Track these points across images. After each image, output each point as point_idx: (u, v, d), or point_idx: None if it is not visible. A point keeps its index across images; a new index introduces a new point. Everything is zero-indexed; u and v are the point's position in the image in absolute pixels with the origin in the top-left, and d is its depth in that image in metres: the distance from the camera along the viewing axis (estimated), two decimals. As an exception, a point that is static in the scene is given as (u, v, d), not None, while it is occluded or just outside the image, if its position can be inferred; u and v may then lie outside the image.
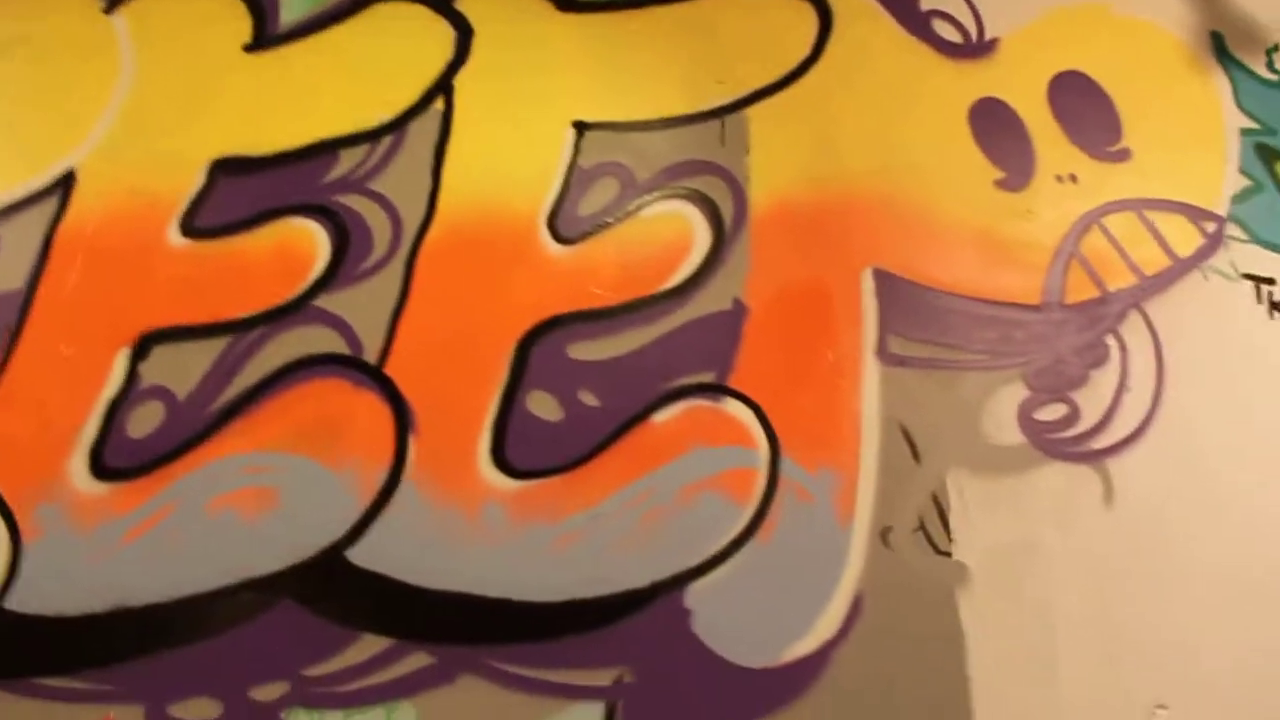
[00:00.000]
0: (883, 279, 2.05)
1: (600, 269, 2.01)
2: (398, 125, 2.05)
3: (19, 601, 1.79)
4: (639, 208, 2.05)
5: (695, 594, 1.86)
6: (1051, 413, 2.07)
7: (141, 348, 1.91)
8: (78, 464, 1.84)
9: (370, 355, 1.89)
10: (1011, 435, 2.04)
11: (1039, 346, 2.10)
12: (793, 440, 1.99)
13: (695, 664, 1.86)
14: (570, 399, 1.90)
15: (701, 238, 2.07)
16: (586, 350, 1.94)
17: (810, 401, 2.04)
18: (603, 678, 1.79)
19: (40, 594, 1.81)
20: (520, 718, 1.77)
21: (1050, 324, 2.11)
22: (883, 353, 2.01)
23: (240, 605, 1.80)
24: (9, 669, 1.78)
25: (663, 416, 1.95)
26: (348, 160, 2.02)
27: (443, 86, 2.04)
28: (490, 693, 1.77)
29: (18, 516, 1.83)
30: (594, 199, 2.04)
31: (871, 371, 2.00)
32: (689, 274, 2.04)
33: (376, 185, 2.01)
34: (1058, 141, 2.23)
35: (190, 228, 1.97)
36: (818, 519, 1.95)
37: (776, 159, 2.15)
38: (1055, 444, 2.06)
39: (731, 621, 1.88)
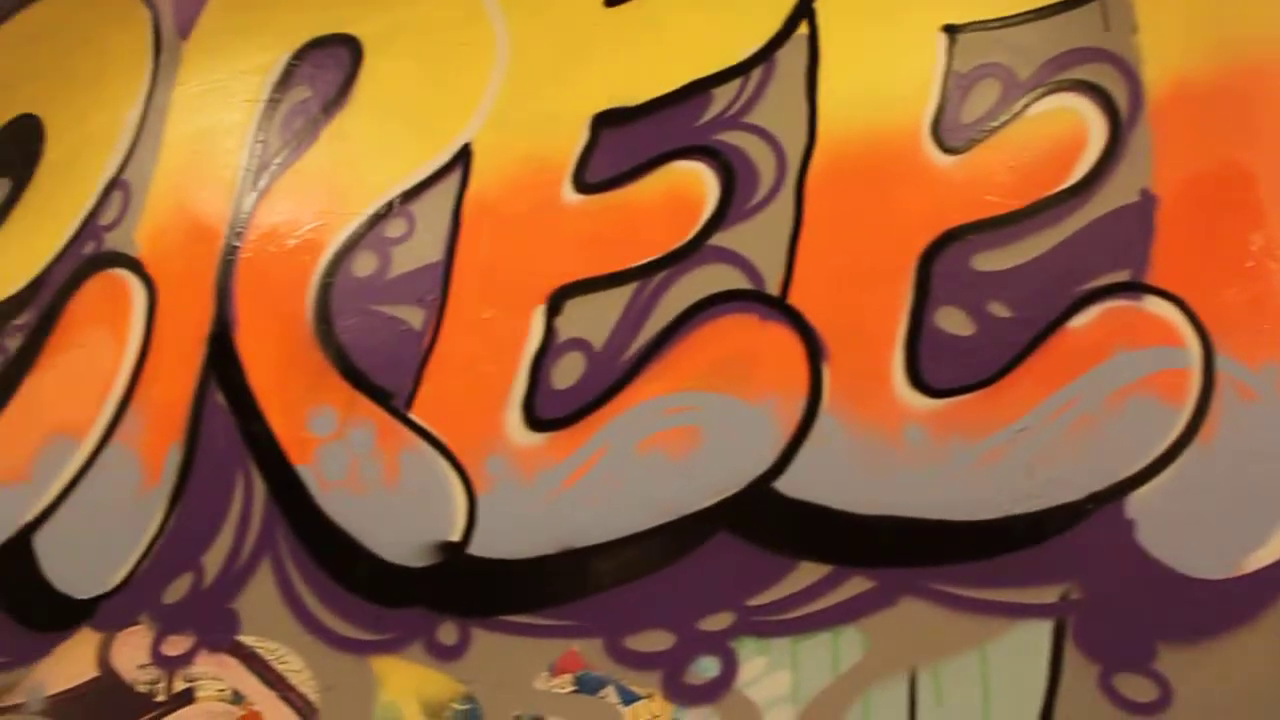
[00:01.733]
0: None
1: (993, 175, 1.94)
2: (765, 56, 2.05)
3: (480, 547, 1.92)
4: (1025, 107, 1.96)
5: (1136, 504, 1.78)
6: None
7: (554, 303, 2.00)
8: (513, 418, 1.96)
9: (772, 287, 1.91)
10: None
11: None
12: (1227, 335, 1.86)
13: (1144, 577, 1.78)
14: (980, 312, 1.85)
15: (1096, 129, 1.96)
16: (990, 260, 1.88)
17: (1241, 292, 1.89)
18: (1048, 595, 1.75)
19: (496, 540, 1.94)
20: (967, 638, 1.74)
21: None
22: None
23: (679, 540, 1.84)
24: (481, 608, 1.92)
25: (1079, 322, 1.87)
26: (722, 98, 2.04)
27: (804, 10, 2.02)
28: (934, 614, 1.75)
29: (469, 471, 1.96)
30: (976, 104, 1.98)
31: (1310, 252, 1.84)
32: (1088, 169, 1.94)
33: (754, 118, 2.02)
34: None
35: (582, 184, 2.05)
36: (1266, 418, 1.80)
37: (1169, 34, 2.01)
38: None
39: (1179, 531, 1.79)
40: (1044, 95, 1.97)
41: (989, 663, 1.70)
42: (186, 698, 2.18)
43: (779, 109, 2.01)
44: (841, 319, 1.89)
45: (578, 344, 1.98)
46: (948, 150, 1.96)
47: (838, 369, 1.86)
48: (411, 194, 2.21)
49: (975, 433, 1.82)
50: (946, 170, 1.96)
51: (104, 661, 2.29)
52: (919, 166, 1.96)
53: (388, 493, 2.08)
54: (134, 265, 2.55)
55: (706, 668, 1.81)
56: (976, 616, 1.78)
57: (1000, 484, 1.79)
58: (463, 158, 2.15)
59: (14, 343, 2.66)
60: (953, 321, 1.87)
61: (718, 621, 1.81)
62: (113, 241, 2.62)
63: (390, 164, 2.26)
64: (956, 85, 1.99)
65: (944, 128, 1.97)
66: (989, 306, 1.87)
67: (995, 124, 1.96)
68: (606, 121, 2.08)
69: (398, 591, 2.07)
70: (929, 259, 1.91)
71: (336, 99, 2.38)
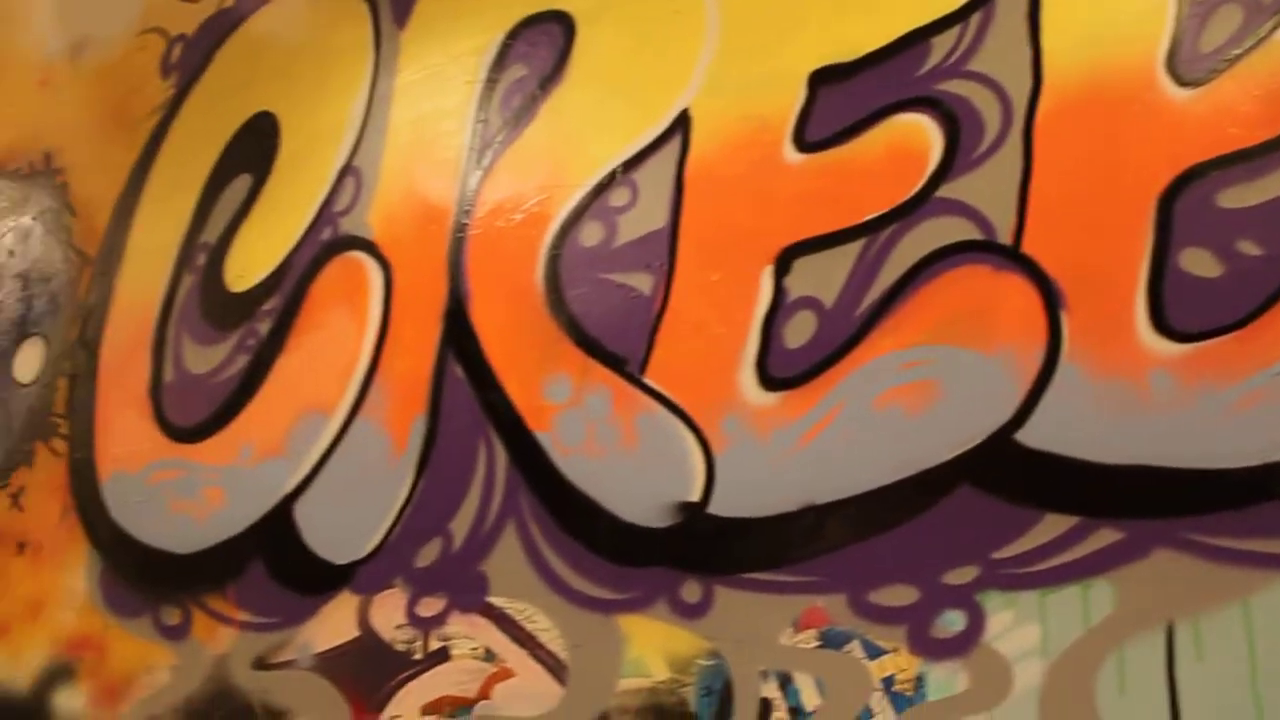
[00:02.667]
0: None
1: (1235, 107, 1.87)
2: (983, 0, 2.00)
3: (719, 506, 1.99)
4: (1271, 30, 1.86)
5: (1407, 444, 1.69)
6: None
7: (782, 263, 2.03)
8: (746, 378, 2.01)
9: (1004, 237, 1.89)
10: None
11: None
12: None
13: None
14: (1228, 251, 1.79)
15: (1352, 50, 1.85)
16: (1237, 197, 1.81)
17: None
18: (1315, 544, 1.66)
19: (736, 499, 1.99)
20: (1227, 590, 1.70)
21: None
22: None
23: (920, 494, 1.86)
24: (723, 566, 1.98)
25: (1339, 256, 1.77)
26: (940, 47, 2.03)
27: (1023, -51, 1.98)
28: (1189, 565, 1.72)
29: (705, 431, 2.02)
30: (1215, 32, 1.90)
31: None
32: (1344, 92, 1.83)
33: (975, 65, 1.99)
34: None
35: (803, 142, 2.07)
36: None
37: None
38: None
39: None
40: (1292, 18, 1.88)
41: (1253, 615, 1.66)
42: (442, 655, 2.33)
43: (1001, 54, 1.98)
44: (1079, 265, 1.87)
45: (808, 302, 2.01)
46: (1184, 83, 1.91)
47: (1077, 317, 1.84)
48: (633, 163, 2.28)
49: (1228, 377, 1.78)
50: (1184, 104, 1.91)
51: (364, 622, 2.46)
52: (1154, 103, 1.92)
53: (626, 455, 2.16)
54: (369, 247, 2.71)
55: (952, 621, 1.83)
56: (1237, 568, 1.75)
57: (1257, 430, 1.75)
58: (681, 124, 2.20)
59: (264, 326, 2.86)
60: (1198, 263, 1.83)
61: (962, 575, 1.83)
62: (347, 226, 2.79)
63: (609, 135, 2.33)
64: (1193, 13, 1.93)
65: (1180, 60, 1.91)
66: (1237, 245, 1.82)
67: (1237, 52, 1.89)
68: (824, 78, 2.10)
69: (640, 551, 2.15)
70: (1169, 199, 1.86)
71: (552, 75, 2.47)
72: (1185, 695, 1.69)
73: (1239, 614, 1.69)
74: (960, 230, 1.96)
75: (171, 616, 2.87)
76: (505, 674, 2.24)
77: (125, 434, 3.14)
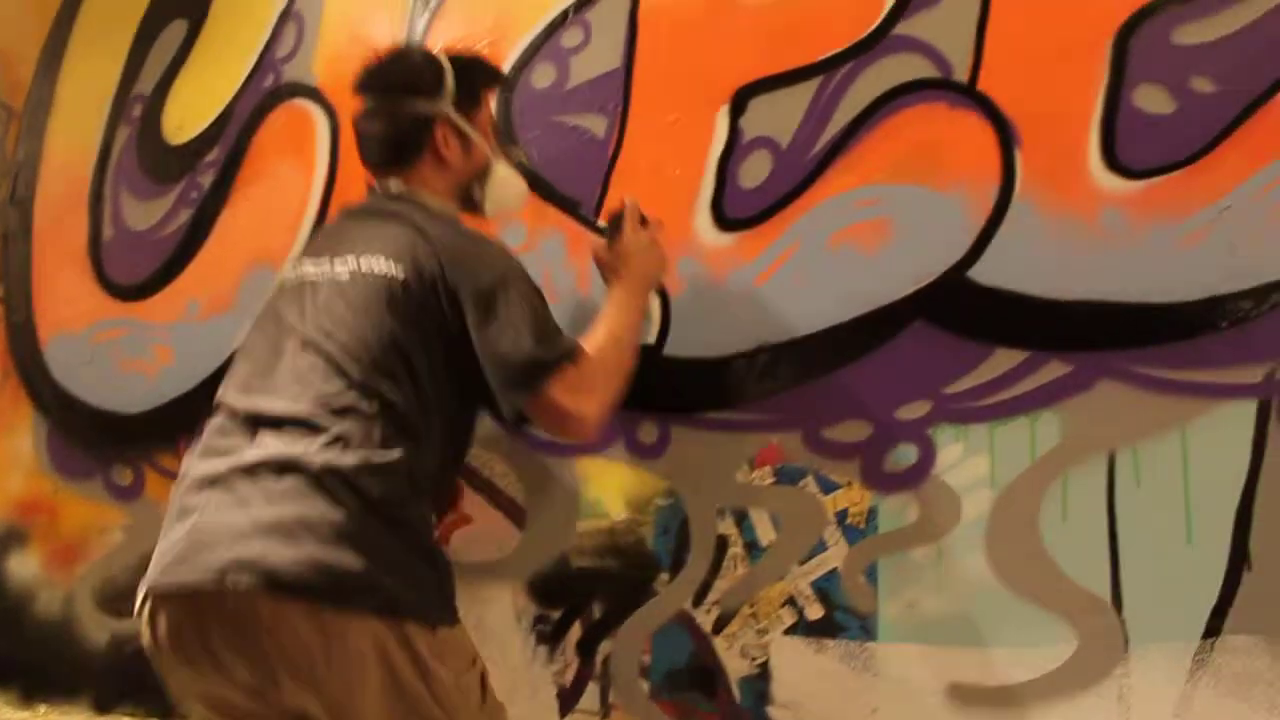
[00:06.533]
0: None
1: (1192, -58, 1.86)
2: None
3: (675, 347, 2.05)
4: None
5: (1346, 278, 1.76)
6: None
7: (738, 103, 2.05)
8: (702, 219, 2.04)
9: (960, 74, 1.92)
10: None
11: None
12: None
13: (1359, 354, 1.77)
14: (1181, 88, 1.82)
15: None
16: (1192, 33, 1.84)
17: None
18: (1252, 374, 1.76)
19: (691, 340, 2.05)
20: (1166, 419, 1.77)
21: None
22: None
23: (874, 332, 1.92)
24: (679, 406, 2.04)
25: (1291, 92, 1.81)
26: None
27: None
28: (1133, 397, 1.79)
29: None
30: None
31: None
32: (1299, -71, 1.85)
33: (934, -101, 1.97)
34: None
35: (759, -21, 2.05)
36: None
37: None
38: None
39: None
40: None
41: (1189, 444, 1.76)
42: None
43: (958, -114, 1.95)
44: (1033, 103, 1.90)
45: (764, 142, 2.03)
46: (1144, -82, 1.90)
47: (1030, 155, 1.88)
48: (586, 1, 2.24)
49: (1176, 214, 1.83)
50: (1138, -60, 1.90)
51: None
52: (1108, -63, 1.91)
53: (582, 300, 2.18)
54: (314, 94, 2.66)
55: (904, 455, 1.90)
56: (1176, 398, 1.83)
57: (1203, 264, 1.81)
58: (636, -38, 2.16)
59: (206, 179, 2.83)
60: (1152, 100, 1.86)
61: (914, 410, 1.89)
62: (291, 73, 2.74)
63: (562, -28, 2.28)
64: None
65: (1136, -108, 1.90)
66: (1191, 82, 1.85)
67: (1194, -115, 1.88)
68: (781, -86, 2.06)
69: (596, 394, 2.18)
70: (1124, 36, 1.89)
71: (503, -88, 2.41)
72: (1123, 521, 1.77)
73: (1176, 442, 1.77)
74: (917, 68, 1.99)
75: (123, 477, 2.89)
76: (464, 520, 2.29)
77: (66, 294, 3.11)
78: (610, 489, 2.16)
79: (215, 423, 1.69)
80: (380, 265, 1.70)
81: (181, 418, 2.73)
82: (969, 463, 1.89)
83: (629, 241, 1.83)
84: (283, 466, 1.56)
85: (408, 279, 1.67)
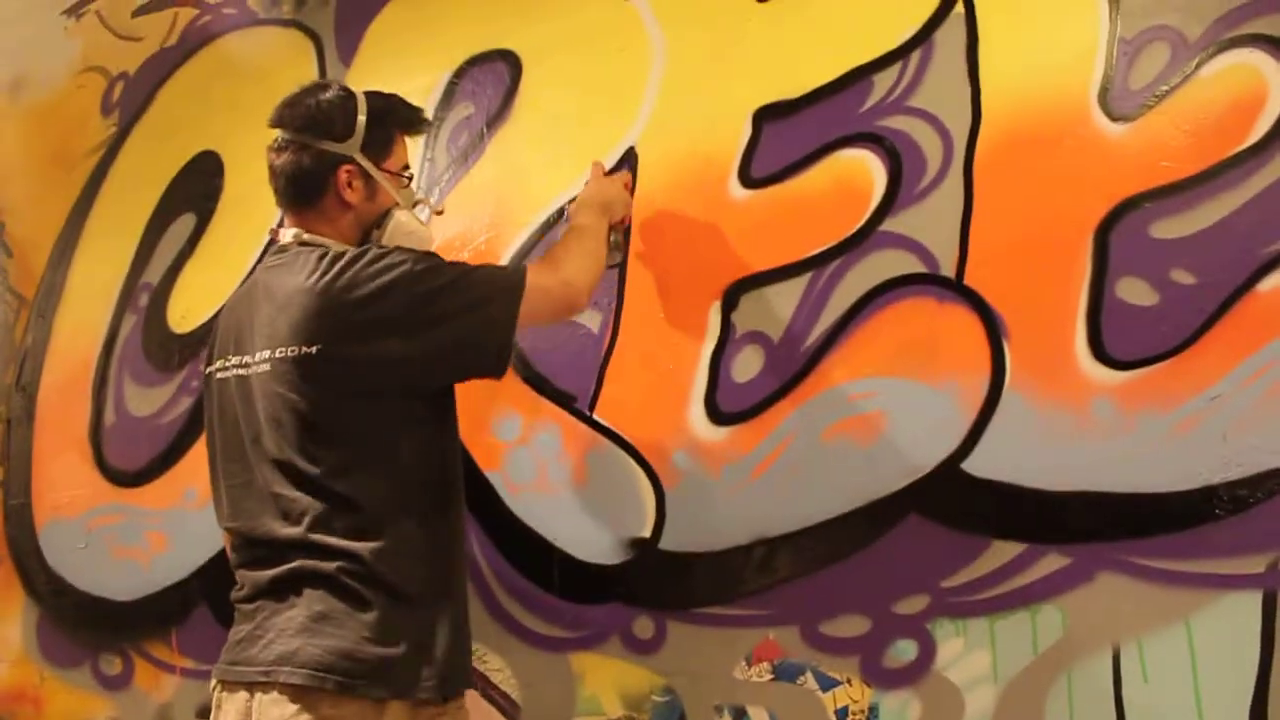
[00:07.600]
0: None
1: (1167, 141, 1.95)
2: (923, 38, 2.10)
3: (671, 542, 2.03)
4: (1197, 68, 1.95)
5: (1342, 466, 1.76)
6: None
7: (729, 298, 2.09)
8: (696, 413, 2.06)
9: (947, 269, 1.96)
10: None
11: None
12: None
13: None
14: (1163, 280, 1.86)
15: (1277, 84, 1.94)
16: (1170, 228, 1.90)
17: None
18: (1255, 564, 1.75)
19: (687, 534, 2.04)
20: (1170, 612, 1.76)
21: None
22: None
23: (870, 525, 1.92)
24: (676, 601, 2.02)
25: (1269, 284, 1.85)
26: (882, 84, 2.10)
27: (959, -12, 2.07)
28: (1135, 589, 1.79)
29: (656, 467, 2.07)
30: (1144, 69, 1.98)
31: None
32: (1269, 127, 1.92)
33: (916, 102, 2.07)
34: None
35: (748, 178, 2.15)
36: None
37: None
38: None
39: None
40: (1217, 54, 1.96)
41: (1196, 636, 1.73)
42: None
43: (941, 90, 2.06)
44: (1020, 296, 1.94)
45: (756, 337, 2.07)
46: (1117, 119, 1.98)
47: (1019, 347, 1.91)
48: (580, 200, 2.32)
49: (1166, 403, 1.84)
50: (1118, 139, 1.98)
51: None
52: (1089, 137, 1.99)
53: (577, 493, 2.19)
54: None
55: (904, 650, 1.88)
56: (1180, 589, 1.81)
57: (1196, 454, 1.82)
58: (628, 161, 2.25)
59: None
60: (1134, 292, 1.90)
61: (913, 604, 1.88)
62: (293, 266, 2.79)
63: (557, 173, 2.38)
64: (1122, 52, 2.00)
65: (1112, 96, 1.99)
66: (1172, 274, 1.89)
67: (1166, 88, 1.96)
68: (768, 115, 2.16)
69: (592, 589, 2.19)
70: (1105, 230, 1.94)
71: (499, 113, 2.52)
72: (1131, 717, 1.73)
73: (1182, 634, 1.74)
74: (904, 263, 2.03)
75: (112, 666, 2.84)
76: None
77: (64, 479, 3.12)
78: (606, 685, 2.12)
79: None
80: (288, 350, 1.71)
81: (173, 606, 2.68)
82: (970, 658, 1.86)
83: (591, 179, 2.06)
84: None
85: (315, 354, 1.69)
